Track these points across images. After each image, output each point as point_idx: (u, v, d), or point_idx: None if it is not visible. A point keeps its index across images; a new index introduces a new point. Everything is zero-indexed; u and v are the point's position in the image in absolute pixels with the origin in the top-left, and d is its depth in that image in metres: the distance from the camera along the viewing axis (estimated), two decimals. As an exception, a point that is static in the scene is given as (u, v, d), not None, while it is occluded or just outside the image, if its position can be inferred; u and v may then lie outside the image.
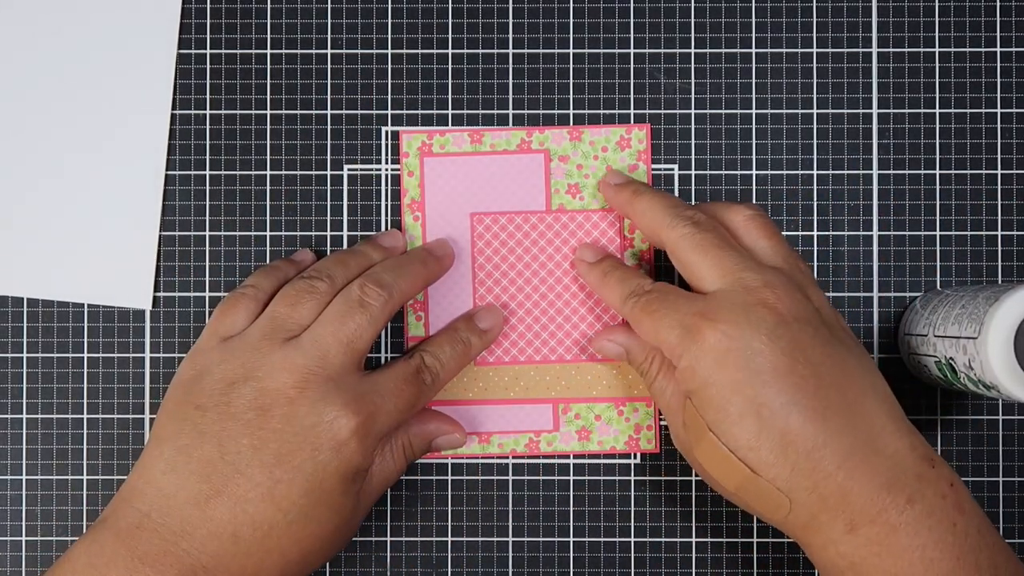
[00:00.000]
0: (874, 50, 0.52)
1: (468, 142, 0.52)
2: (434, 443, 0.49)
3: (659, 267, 0.52)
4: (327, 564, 0.51)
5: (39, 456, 0.51)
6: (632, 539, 0.51)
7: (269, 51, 0.52)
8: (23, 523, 0.51)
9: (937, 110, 0.52)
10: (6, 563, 0.51)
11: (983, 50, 0.52)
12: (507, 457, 0.52)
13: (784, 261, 0.45)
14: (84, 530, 0.51)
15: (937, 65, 0.52)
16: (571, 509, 0.51)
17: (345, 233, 0.52)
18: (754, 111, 0.52)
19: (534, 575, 0.51)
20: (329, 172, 0.52)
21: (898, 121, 0.52)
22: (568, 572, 0.51)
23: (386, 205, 0.52)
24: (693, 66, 0.52)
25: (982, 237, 0.51)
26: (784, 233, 0.51)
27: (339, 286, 0.46)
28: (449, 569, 0.51)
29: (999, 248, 0.51)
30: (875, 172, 0.52)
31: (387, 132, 0.52)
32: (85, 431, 0.51)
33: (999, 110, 0.52)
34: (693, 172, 0.52)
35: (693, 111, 0.52)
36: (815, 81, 0.52)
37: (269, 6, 0.52)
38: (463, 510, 0.51)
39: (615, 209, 0.50)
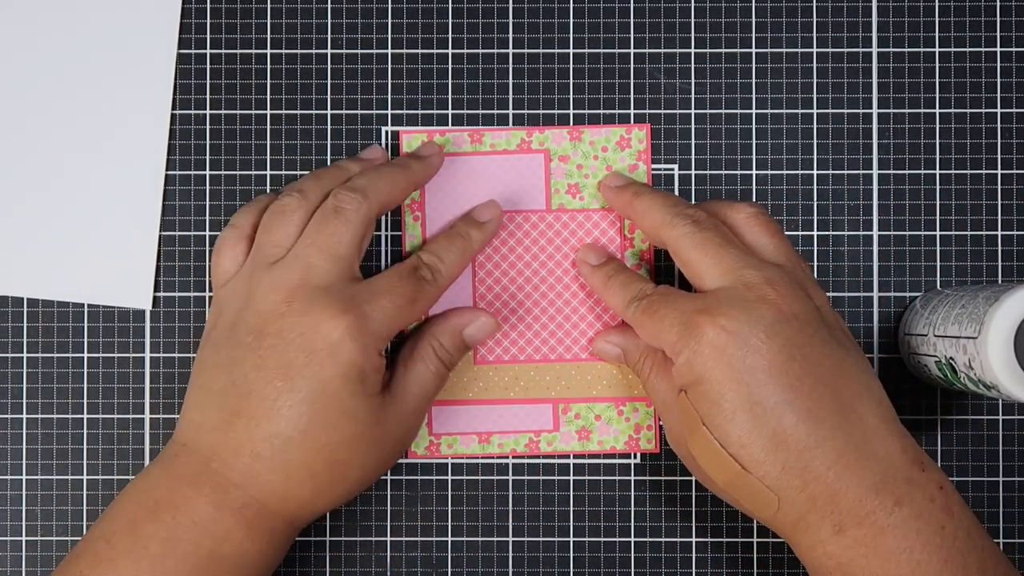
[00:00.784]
0: (874, 50, 0.52)
1: (468, 142, 0.52)
2: (466, 336, 0.49)
3: (659, 267, 0.52)
4: (327, 563, 0.51)
5: (39, 456, 0.51)
6: (632, 539, 0.51)
7: (269, 51, 0.52)
8: (23, 523, 0.51)
9: (937, 110, 0.52)
10: (6, 563, 0.51)
11: (983, 50, 0.52)
12: (507, 457, 0.51)
13: (786, 259, 0.45)
14: (84, 530, 0.51)
15: (937, 65, 0.52)
16: (571, 509, 0.51)
17: (345, 233, 0.52)
18: (754, 111, 0.52)
19: (534, 575, 0.51)
20: (329, 172, 0.52)
21: (898, 121, 0.52)
22: (568, 572, 0.51)
23: (386, 205, 0.52)
24: (693, 66, 0.52)
25: (982, 237, 0.51)
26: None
27: (313, 200, 0.46)
28: (449, 569, 0.51)
29: (999, 248, 0.51)
30: (875, 172, 0.52)
31: (387, 132, 0.52)
32: (85, 431, 0.51)
33: (999, 110, 0.52)
34: (693, 172, 0.52)
35: (693, 111, 0.52)
36: (815, 81, 0.52)
37: (269, 6, 0.52)
38: (463, 510, 0.51)
39: (616, 211, 0.50)
